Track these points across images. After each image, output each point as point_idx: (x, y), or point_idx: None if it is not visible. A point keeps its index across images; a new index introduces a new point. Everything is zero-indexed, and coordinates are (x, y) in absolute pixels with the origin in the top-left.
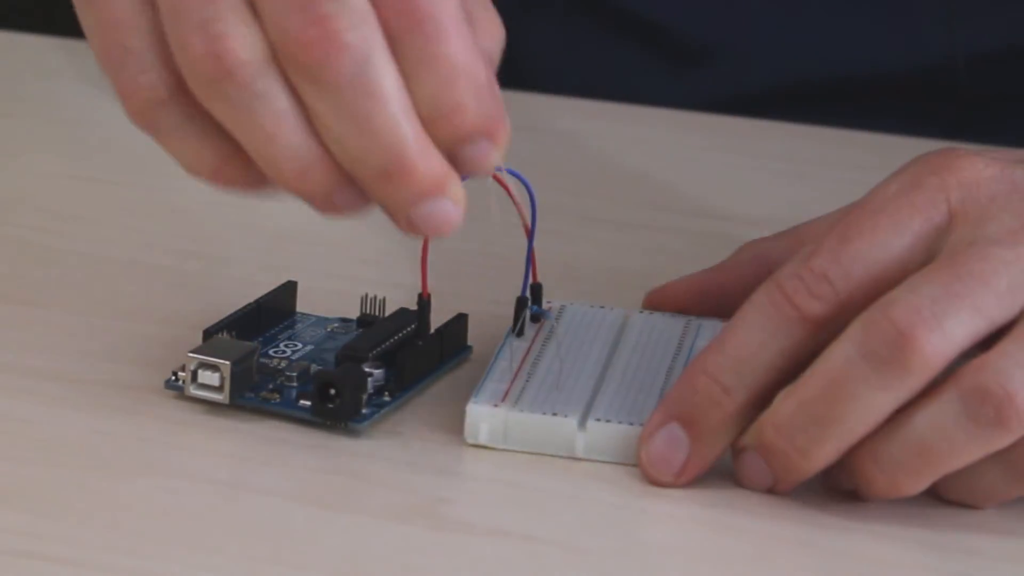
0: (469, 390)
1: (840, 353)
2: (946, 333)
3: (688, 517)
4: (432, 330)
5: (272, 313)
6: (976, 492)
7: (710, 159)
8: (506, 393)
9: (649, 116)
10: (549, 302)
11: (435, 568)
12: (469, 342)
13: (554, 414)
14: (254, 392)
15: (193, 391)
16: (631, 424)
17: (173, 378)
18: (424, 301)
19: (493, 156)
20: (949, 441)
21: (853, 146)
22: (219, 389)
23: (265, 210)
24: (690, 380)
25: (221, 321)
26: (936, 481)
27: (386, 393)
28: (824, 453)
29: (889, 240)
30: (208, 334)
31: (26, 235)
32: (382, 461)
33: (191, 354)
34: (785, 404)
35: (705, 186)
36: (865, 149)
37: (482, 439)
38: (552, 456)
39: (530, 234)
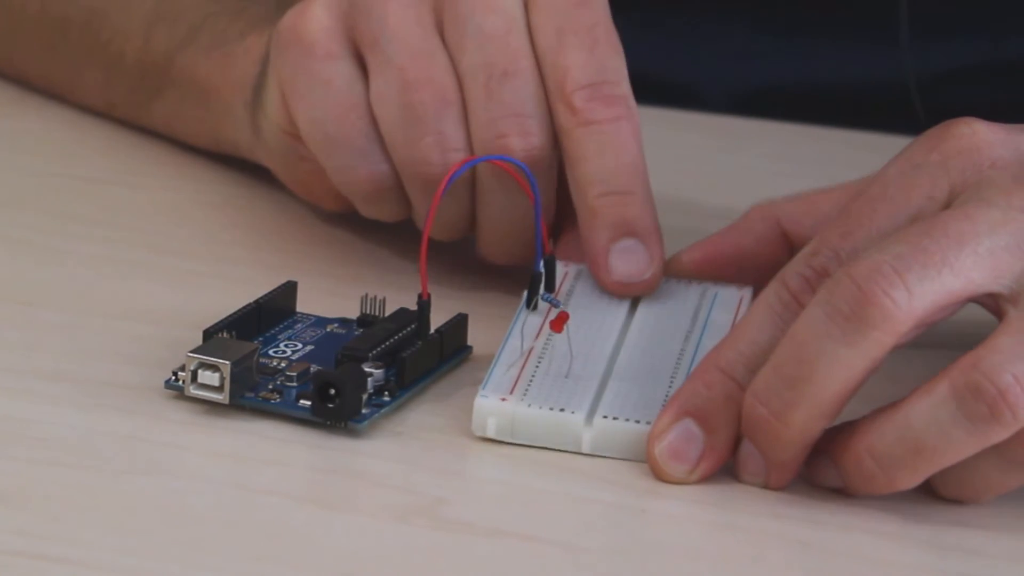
0: (469, 390)
1: (808, 314)
2: (910, 289)
3: (688, 517)
4: (432, 330)
5: (272, 313)
6: (972, 485)
7: (710, 159)
8: (514, 384)
9: (649, 116)
10: (556, 291)
11: (435, 568)
12: (469, 342)
13: (561, 410)
14: (254, 392)
15: (193, 391)
16: (638, 422)
17: (173, 378)
18: (424, 301)
19: None
20: (945, 437)
21: (853, 146)
22: (219, 389)
23: (265, 210)
24: (703, 376)
25: (221, 321)
26: (932, 478)
27: (386, 393)
28: (800, 417)
29: (889, 228)
30: (208, 334)
31: (26, 235)
32: (382, 461)
33: (191, 354)
34: (762, 372)
35: (705, 186)
36: (865, 149)
37: (490, 433)
38: (552, 456)
39: (536, 205)
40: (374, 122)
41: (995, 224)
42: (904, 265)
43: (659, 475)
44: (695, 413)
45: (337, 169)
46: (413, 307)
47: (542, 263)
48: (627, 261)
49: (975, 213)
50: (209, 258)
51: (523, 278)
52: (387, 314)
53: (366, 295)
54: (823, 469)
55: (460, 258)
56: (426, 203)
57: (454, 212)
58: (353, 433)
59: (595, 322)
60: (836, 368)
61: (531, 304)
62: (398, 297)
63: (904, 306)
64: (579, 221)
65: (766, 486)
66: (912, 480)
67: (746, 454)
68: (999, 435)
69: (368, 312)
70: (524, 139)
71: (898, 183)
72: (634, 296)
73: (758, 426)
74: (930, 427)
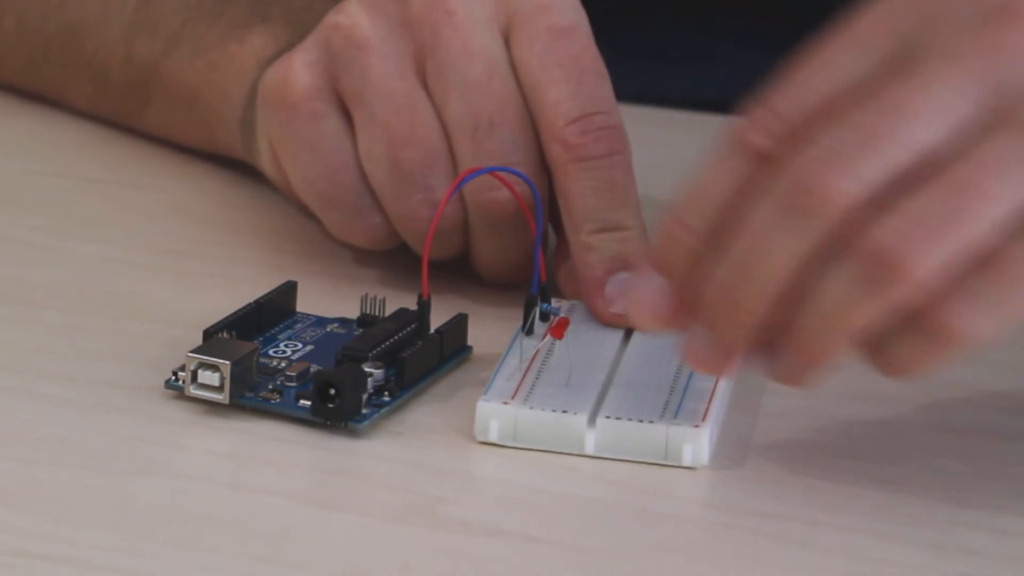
0: (469, 390)
1: (759, 203)
2: (847, 173)
3: (688, 517)
4: (432, 330)
5: (272, 313)
6: (902, 360)
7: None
8: (516, 391)
9: (649, 116)
10: (558, 303)
11: (435, 568)
12: (469, 342)
13: (564, 411)
14: (254, 392)
15: (193, 391)
16: (641, 421)
17: (173, 378)
18: (424, 301)
19: None
20: (845, 300)
21: None
22: (219, 389)
23: (265, 210)
24: (666, 231)
25: (221, 321)
26: (870, 357)
27: (386, 393)
28: (752, 299)
29: (843, 62)
30: (208, 334)
31: (26, 235)
32: (382, 461)
33: (191, 354)
34: (718, 259)
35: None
36: None
37: (492, 437)
38: (552, 456)
39: (536, 233)
40: (365, 178)
41: (940, 78)
42: (842, 149)
43: (635, 324)
44: (654, 261)
45: (333, 224)
46: (413, 307)
47: (537, 287)
48: (623, 294)
49: (921, 70)
50: (209, 258)
51: (524, 279)
52: (387, 314)
53: (366, 295)
54: (766, 358)
55: (460, 258)
56: (421, 246)
57: (447, 252)
58: (353, 433)
59: (591, 349)
60: (780, 254)
61: (527, 328)
62: (398, 297)
63: (844, 190)
64: (573, 255)
65: (708, 371)
66: (831, 347)
67: (694, 340)
68: (890, 290)
69: (368, 312)
70: (515, 187)
71: (862, 17)
72: (629, 327)
73: (715, 314)
74: (831, 292)
